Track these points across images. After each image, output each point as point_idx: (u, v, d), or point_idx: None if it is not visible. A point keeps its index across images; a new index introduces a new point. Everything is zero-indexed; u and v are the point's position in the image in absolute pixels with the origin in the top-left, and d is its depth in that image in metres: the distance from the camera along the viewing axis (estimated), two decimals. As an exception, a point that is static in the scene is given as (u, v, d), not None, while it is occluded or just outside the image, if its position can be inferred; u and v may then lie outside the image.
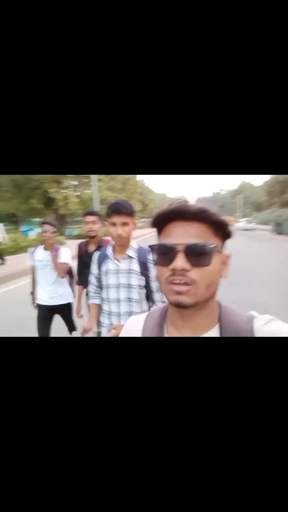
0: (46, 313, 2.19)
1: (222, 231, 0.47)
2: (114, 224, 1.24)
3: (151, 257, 1.06)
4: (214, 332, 0.49)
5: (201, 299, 0.45)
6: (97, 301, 1.48)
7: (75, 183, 18.00)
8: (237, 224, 23.78)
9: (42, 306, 2.17)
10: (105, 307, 1.38)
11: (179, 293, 0.44)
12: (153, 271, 1.28)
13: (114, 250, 1.36)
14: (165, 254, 0.46)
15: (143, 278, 1.33)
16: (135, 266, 1.31)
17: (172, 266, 0.45)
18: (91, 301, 1.50)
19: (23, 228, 15.67)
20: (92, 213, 2.12)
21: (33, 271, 2.24)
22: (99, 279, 1.40)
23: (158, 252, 0.47)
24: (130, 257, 1.32)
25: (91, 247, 2.14)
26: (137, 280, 1.30)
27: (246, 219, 24.66)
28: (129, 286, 1.30)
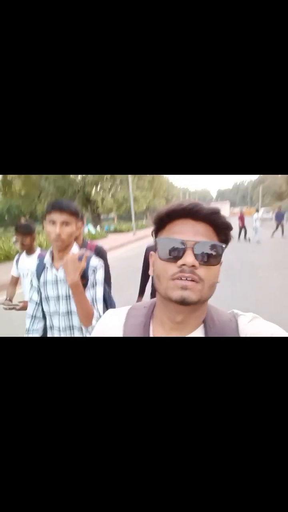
0: None
1: (225, 235, 0.48)
2: (53, 223, 1.06)
3: (92, 262, 1.11)
4: (199, 332, 0.50)
5: (203, 298, 0.46)
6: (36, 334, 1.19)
7: (109, 183, 21.00)
8: (254, 215, 25.62)
9: None
10: (47, 320, 1.19)
11: (185, 288, 0.44)
12: (90, 277, 1.12)
13: (52, 256, 1.16)
14: (173, 249, 0.45)
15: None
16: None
17: (181, 262, 0.44)
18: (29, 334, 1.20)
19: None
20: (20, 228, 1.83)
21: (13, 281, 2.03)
22: (39, 294, 1.18)
23: (165, 247, 0.46)
24: None
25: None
26: None
27: (263, 208, 26.23)
28: (68, 297, 1.12)
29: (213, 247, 0.45)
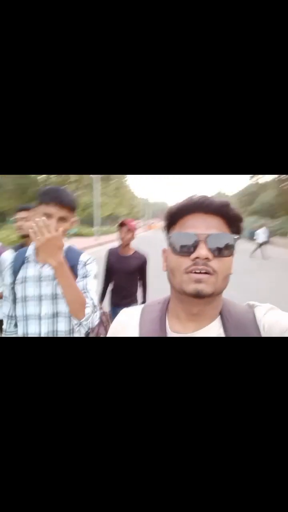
0: None
1: (237, 227, 0.48)
2: (48, 216, 0.92)
3: (83, 258, 1.02)
4: (216, 323, 0.49)
5: (218, 290, 0.46)
6: (13, 334, 1.04)
7: (74, 186, 20.67)
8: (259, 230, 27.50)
9: None
10: (19, 330, 1.01)
11: (199, 281, 0.45)
12: (81, 271, 1.02)
13: (37, 251, 1.00)
14: (186, 243, 0.46)
15: None
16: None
17: (195, 255, 0.45)
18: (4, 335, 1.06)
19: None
20: (22, 209, 1.67)
21: None
22: (13, 292, 1.01)
23: (178, 242, 0.47)
24: None
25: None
26: None
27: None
28: (54, 297, 0.98)
29: (225, 238, 0.46)
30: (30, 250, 1.04)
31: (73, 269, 1.00)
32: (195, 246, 0.45)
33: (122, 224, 2.05)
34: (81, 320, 0.96)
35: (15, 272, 1.02)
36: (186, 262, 0.46)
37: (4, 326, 1.07)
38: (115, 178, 24.55)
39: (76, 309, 0.94)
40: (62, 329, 1.00)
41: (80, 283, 1.01)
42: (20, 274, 1.01)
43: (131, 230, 2.03)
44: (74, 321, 0.97)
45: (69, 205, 0.96)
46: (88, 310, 0.96)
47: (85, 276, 1.03)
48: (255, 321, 0.48)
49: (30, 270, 1.01)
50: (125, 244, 2.06)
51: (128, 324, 0.56)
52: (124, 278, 2.10)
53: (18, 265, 1.02)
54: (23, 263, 1.02)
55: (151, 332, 0.51)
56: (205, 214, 0.47)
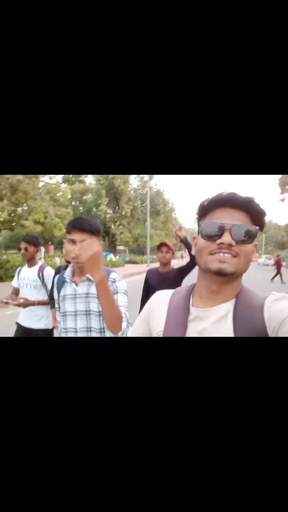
0: (21, 334, 2.06)
1: (259, 221, 0.54)
2: (73, 242, 1.09)
3: (112, 276, 1.13)
4: (229, 303, 0.55)
5: (239, 271, 0.53)
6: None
7: (127, 220, 23.81)
8: (259, 260, 28.31)
9: (20, 325, 2.06)
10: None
11: (222, 261, 0.51)
12: (116, 287, 1.13)
13: (73, 272, 1.21)
14: (213, 231, 0.52)
15: None
16: (94, 289, 1.05)
17: (220, 241, 0.52)
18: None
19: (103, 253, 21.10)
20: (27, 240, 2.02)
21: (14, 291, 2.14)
22: (59, 307, 1.21)
23: (206, 229, 0.54)
24: (89, 279, 1.15)
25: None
26: (97, 305, 1.12)
27: (265, 256, 29.25)
28: (87, 313, 1.14)
29: (248, 228, 0.52)
30: (68, 272, 1.20)
31: None
32: (221, 233, 0.52)
33: (163, 245, 2.16)
34: (117, 334, 1.03)
35: (59, 290, 1.20)
36: (212, 246, 0.53)
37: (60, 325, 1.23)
38: (163, 213, 27.30)
39: (113, 323, 1.00)
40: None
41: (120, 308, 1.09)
42: (62, 292, 1.18)
43: (171, 250, 2.15)
44: (109, 335, 1.06)
45: (89, 229, 1.07)
46: (124, 325, 1.04)
47: (116, 292, 1.12)
48: (263, 306, 0.52)
49: (68, 289, 1.17)
50: (166, 263, 2.15)
51: (161, 300, 0.65)
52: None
53: (60, 284, 1.20)
54: (63, 282, 1.19)
55: (177, 307, 0.60)
56: (231, 208, 0.54)
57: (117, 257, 20.60)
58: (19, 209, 9.95)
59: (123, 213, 22.77)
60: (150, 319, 0.65)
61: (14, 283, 2.14)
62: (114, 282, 1.14)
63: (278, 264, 12.65)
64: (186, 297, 0.60)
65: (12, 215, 9.94)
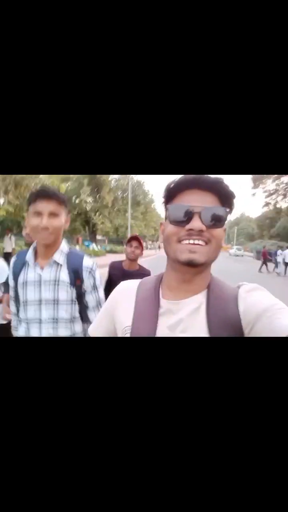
0: None
1: (229, 203, 0.52)
2: (38, 214, 0.91)
3: (87, 263, 1.01)
4: (202, 294, 0.53)
5: (210, 259, 0.50)
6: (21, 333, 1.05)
7: (108, 211, 24.29)
8: (230, 250, 30.47)
9: None
10: (21, 331, 1.03)
11: (193, 251, 0.48)
12: (88, 281, 1.01)
13: (36, 253, 1.02)
14: (181, 214, 0.49)
15: (75, 291, 1.00)
16: (64, 275, 0.98)
17: (189, 226, 0.48)
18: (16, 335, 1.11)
19: (85, 242, 21.40)
20: None
21: None
22: (17, 295, 1.03)
23: (174, 213, 0.50)
24: (57, 263, 0.99)
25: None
26: (66, 294, 0.98)
27: (236, 247, 31.55)
28: (55, 302, 0.98)
29: (217, 211, 0.49)
30: (30, 253, 1.02)
31: (77, 273, 1.00)
32: (189, 218, 0.49)
33: (134, 239, 2.04)
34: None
35: (16, 276, 1.03)
36: (181, 231, 0.50)
37: (13, 324, 1.14)
38: (143, 204, 28.09)
39: None
40: (62, 335, 0.99)
41: (93, 295, 1.03)
42: (21, 278, 1.01)
43: (141, 246, 2.03)
44: (79, 325, 1.03)
45: (56, 197, 0.92)
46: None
47: (95, 287, 1.03)
48: (236, 297, 0.51)
49: (30, 273, 1.00)
50: (134, 259, 2.04)
51: (126, 291, 0.60)
52: None
53: (18, 269, 1.03)
54: (22, 266, 1.02)
55: (145, 298, 0.56)
56: (200, 190, 0.50)
57: (99, 246, 21.18)
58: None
59: (104, 203, 23.15)
60: (115, 313, 0.61)
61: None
62: (90, 273, 1.03)
63: (264, 256, 13.79)
64: (154, 289, 0.58)
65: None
